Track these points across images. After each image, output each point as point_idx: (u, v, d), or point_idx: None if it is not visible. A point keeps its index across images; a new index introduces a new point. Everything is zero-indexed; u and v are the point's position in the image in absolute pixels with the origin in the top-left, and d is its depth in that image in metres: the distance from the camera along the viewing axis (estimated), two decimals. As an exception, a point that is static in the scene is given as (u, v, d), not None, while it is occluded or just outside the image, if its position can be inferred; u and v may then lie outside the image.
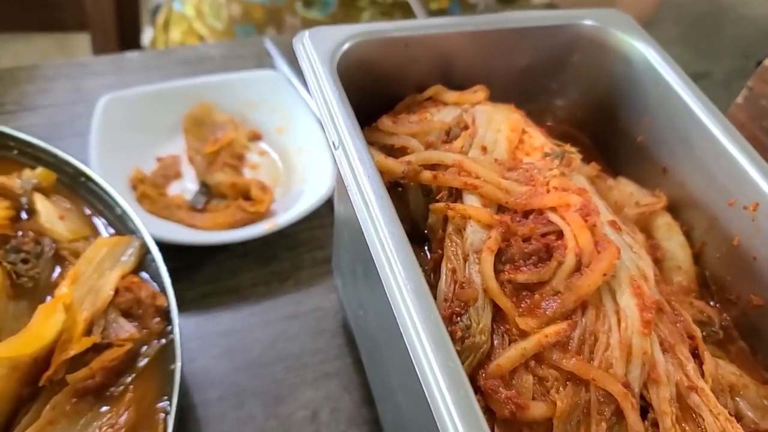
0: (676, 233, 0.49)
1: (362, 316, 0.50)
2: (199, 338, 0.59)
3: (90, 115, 0.73)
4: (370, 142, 0.48)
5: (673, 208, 0.50)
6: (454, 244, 0.41)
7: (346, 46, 0.46)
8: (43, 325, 0.47)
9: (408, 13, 1.11)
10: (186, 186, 0.69)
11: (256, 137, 0.74)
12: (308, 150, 0.71)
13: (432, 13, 1.09)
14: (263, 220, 0.65)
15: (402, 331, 0.33)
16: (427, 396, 0.31)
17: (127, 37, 0.98)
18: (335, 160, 0.40)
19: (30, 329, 0.47)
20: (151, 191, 0.65)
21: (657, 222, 0.49)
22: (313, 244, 0.68)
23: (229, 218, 0.64)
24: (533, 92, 0.56)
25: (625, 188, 0.51)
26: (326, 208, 0.68)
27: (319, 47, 0.45)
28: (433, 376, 0.31)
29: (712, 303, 0.48)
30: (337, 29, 0.47)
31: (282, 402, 0.56)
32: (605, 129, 0.56)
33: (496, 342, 0.37)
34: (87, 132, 0.72)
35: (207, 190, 0.67)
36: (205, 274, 0.63)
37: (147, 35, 1.28)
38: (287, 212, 0.64)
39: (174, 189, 0.68)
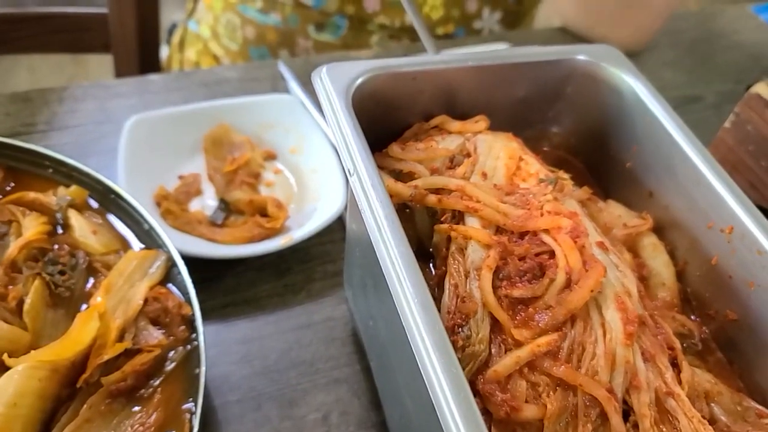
0: (661, 252, 0.53)
1: (372, 326, 0.54)
2: (219, 345, 0.64)
3: (115, 134, 0.78)
4: (381, 167, 0.53)
5: (659, 230, 0.55)
6: (456, 261, 0.45)
7: (360, 80, 0.51)
8: (81, 332, 0.51)
9: (415, 36, 1.16)
10: (206, 203, 0.73)
11: (271, 157, 0.78)
12: (321, 170, 0.76)
13: (438, 38, 1.14)
14: (278, 236, 0.69)
15: (410, 340, 0.37)
16: (431, 398, 0.35)
17: (147, 58, 1.03)
18: (348, 183, 0.44)
19: (69, 335, 0.51)
20: (174, 207, 0.69)
21: (643, 242, 0.53)
22: (324, 258, 0.72)
23: (247, 233, 0.68)
24: (531, 120, 0.61)
25: (614, 210, 0.55)
26: (337, 224, 0.73)
27: (335, 81, 0.50)
28: (438, 380, 0.35)
29: (693, 317, 0.52)
30: (352, 65, 0.52)
31: (296, 405, 0.61)
32: (597, 155, 0.61)
33: (493, 350, 0.42)
34: (113, 150, 0.77)
35: (226, 207, 0.72)
36: (224, 286, 0.68)
37: (162, 53, 1.34)
38: (301, 228, 0.69)
39: (195, 205, 0.73)
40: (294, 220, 0.71)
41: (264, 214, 0.71)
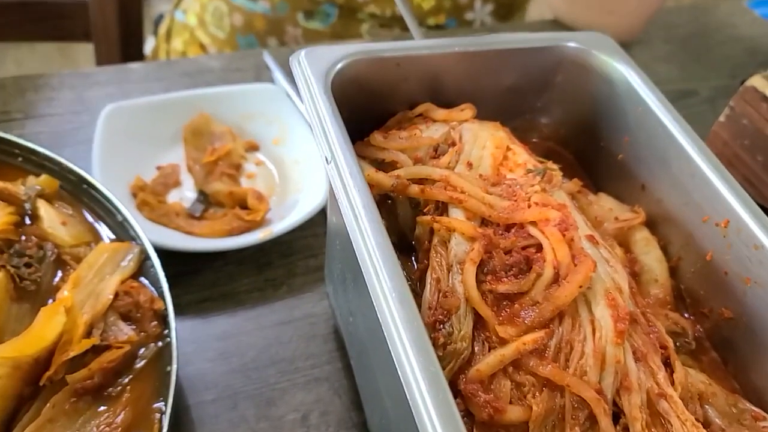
0: (654, 248, 0.51)
1: (352, 323, 0.52)
2: (194, 342, 0.61)
3: (93, 124, 0.75)
4: (362, 157, 0.50)
5: (651, 224, 0.53)
6: (439, 255, 0.43)
7: (340, 65, 0.48)
8: (45, 327, 0.49)
9: (406, 26, 1.14)
10: (184, 194, 0.71)
11: (253, 148, 0.76)
12: (304, 161, 0.73)
13: (429, 29, 1.11)
14: (259, 229, 0.67)
15: (386, 336, 0.35)
16: (408, 398, 0.33)
17: (130, 48, 1.00)
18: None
19: (32, 330, 0.49)
20: (150, 199, 0.67)
21: (635, 237, 0.51)
22: (306, 252, 0.70)
23: (226, 226, 0.66)
24: (519, 110, 0.58)
25: (605, 203, 0.53)
26: (320, 217, 0.71)
27: (314, 65, 0.48)
28: (414, 379, 0.33)
29: (686, 315, 0.50)
30: (332, 48, 0.49)
31: (273, 405, 0.58)
32: (588, 146, 0.59)
33: (476, 348, 0.40)
34: (90, 141, 0.74)
35: (205, 199, 0.69)
36: (202, 280, 0.65)
37: (149, 45, 1.31)
38: (282, 221, 0.66)
39: (173, 197, 0.70)
40: (275, 212, 0.69)
41: (244, 206, 0.69)
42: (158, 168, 0.72)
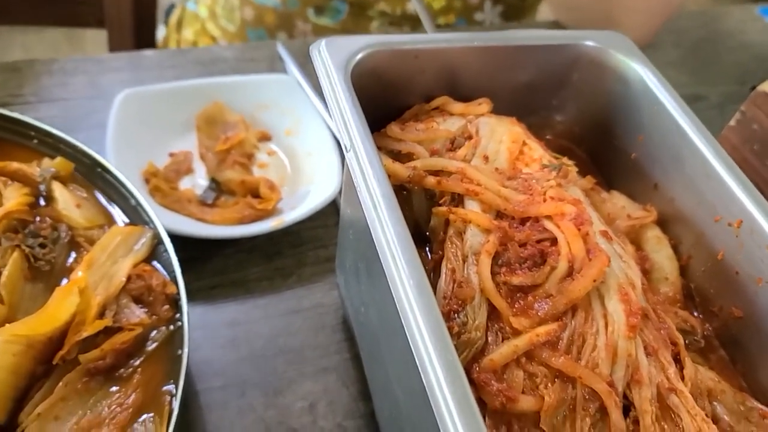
0: (665, 246, 0.51)
1: (363, 313, 0.52)
2: (204, 328, 0.62)
3: (106, 109, 0.76)
4: (379, 147, 0.51)
5: (663, 222, 0.53)
6: (454, 245, 0.43)
7: (359, 56, 0.49)
8: (59, 307, 0.49)
9: (416, 24, 1.14)
10: (197, 181, 0.71)
11: (265, 138, 0.76)
12: (316, 153, 0.73)
13: (439, 28, 1.12)
14: (270, 218, 0.67)
15: (404, 324, 0.35)
16: (425, 385, 0.33)
17: (142, 36, 1.01)
18: (345, 163, 0.43)
19: (46, 310, 0.49)
20: (163, 185, 0.67)
21: (647, 235, 0.52)
22: (316, 242, 0.70)
23: (238, 214, 0.66)
24: (534, 107, 0.59)
25: (618, 201, 0.53)
26: (330, 209, 0.71)
27: (334, 56, 0.48)
28: (432, 366, 0.33)
29: (695, 313, 0.50)
30: (352, 39, 0.50)
31: (281, 393, 0.59)
32: (601, 144, 0.59)
33: (490, 339, 0.40)
34: (103, 125, 0.74)
35: (217, 186, 0.70)
36: (212, 267, 0.66)
37: (159, 33, 1.31)
38: (293, 211, 0.67)
39: (185, 184, 0.70)
40: (286, 202, 0.69)
41: (256, 195, 0.69)
42: (171, 155, 0.72)
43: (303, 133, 0.76)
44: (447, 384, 0.32)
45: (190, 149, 0.73)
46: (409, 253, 0.37)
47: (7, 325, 0.47)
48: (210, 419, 0.56)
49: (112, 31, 0.96)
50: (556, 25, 1.07)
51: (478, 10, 1.13)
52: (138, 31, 0.98)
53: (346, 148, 0.43)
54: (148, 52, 0.87)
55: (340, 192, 0.68)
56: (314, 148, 0.74)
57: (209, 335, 0.61)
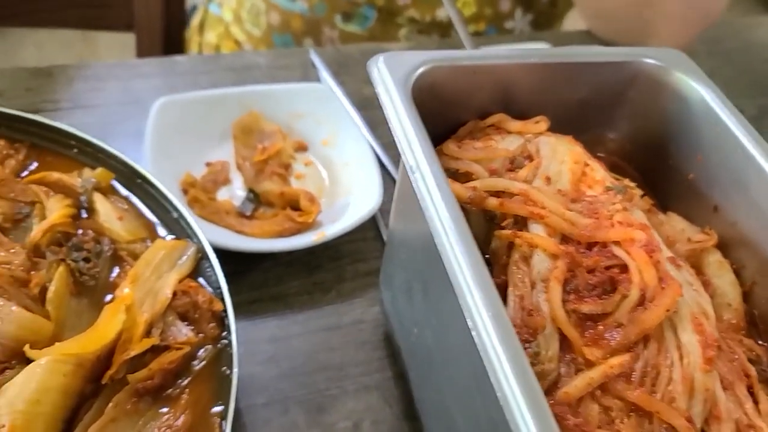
0: (727, 271, 0.50)
1: (416, 334, 0.51)
2: (244, 344, 0.60)
3: (140, 116, 0.75)
4: (435, 166, 0.49)
5: (723, 247, 0.52)
6: (521, 271, 0.42)
7: (419, 71, 0.47)
8: (108, 325, 0.48)
9: (444, 32, 1.13)
10: (234, 192, 0.70)
11: (302, 148, 0.75)
12: (354, 164, 0.72)
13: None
14: (310, 231, 0.66)
15: (481, 354, 0.34)
16: (508, 420, 0.32)
17: (171, 40, 1.00)
18: (398, 178, 0.41)
19: (96, 328, 0.48)
20: (201, 196, 0.66)
21: (708, 259, 0.50)
22: (355, 256, 0.69)
23: (278, 227, 0.65)
24: (587, 124, 0.57)
25: (677, 224, 0.52)
26: (368, 222, 0.70)
27: (393, 71, 0.47)
28: (515, 400, 0.32)
29: (759, 342, 0.49)
30: (411, 54, 0.48)
31: (325, 411, 0.57)
32: (654, 164, 0.58)
33: (562, 370, 0.39)
34: (136, 133, 0.73)
35: (255, 198, 0.69)
36: (251, 281, 0.65)
37: (182, 36, 1.30)
38: (335, 224, 0.65)
39: (222, 195, 0.69)
40: (325, 214, 0.68)
41: (294, 207, 0.68)
42: (207, 164, 0.71)
43: (340, 144, 0.75)
44: (534, 422, 0.31)
45: (226, 159, 0.72)
46: (484, 281, 0.36)
47: (57, 344, 0.46)
48: (253, 438, 0.55)
49: (141, 35, 0.95)
50: (588, 35, 1.05)
51: (509, 18, 1.12)
52: (166, 34, 0.96)
53: (411, 169, 0.42)
54: (179, 58, 0.86)
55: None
56: (352, 159, 0.73)
57: (250, 351, 0.60)
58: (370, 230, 0.70)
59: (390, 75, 0.46)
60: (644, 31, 0.97)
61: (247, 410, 0.57)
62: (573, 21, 1.29)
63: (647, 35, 0.97)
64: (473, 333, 0.34)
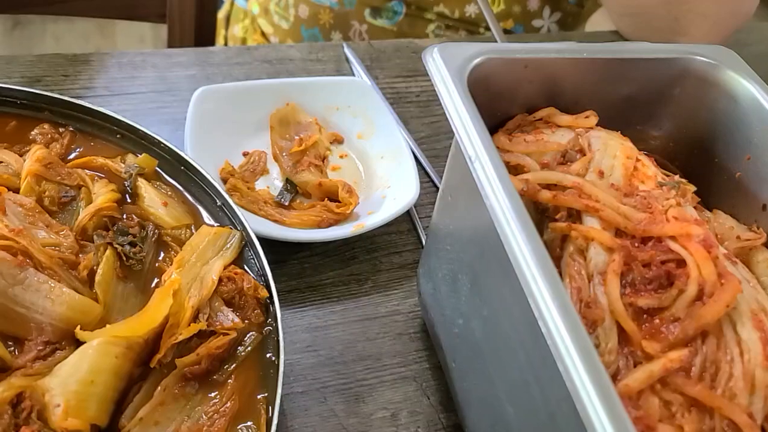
0: (776, 270, 0.50)
1: (461, 325, 0.51)
2: (284, 332, 0.61)
3: (175, 104, 0.75)
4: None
5: (771, 245, 0.52)
6: (576, 263, 0.42)
7: (474, 63, 0.47)
8: (157, 308, 0.48)
9: (472, 28, 1.13)
10: (272, 182, 0.70)
11: (337, 140, 0.75)
12: (389, 157, 0.72)
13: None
14: (347, 222, 0.66)
15: (551, 347, 0.34)
16: (578, 410, 0.32)
17: (203, 32, 1.00)
18: (446, 170, 0.41)
19: (147, 311, 0.48)
20: (240, 185, 0.66)
21: (757, 258, 0.50)
22: (390, 248, 0.69)
23: (316, 217, 0.65)
24: (631, 120, 0.57)
25: (725, 222, 0.52)
26: (402, 215, 0.70)
27: (449, 62, 0.47)
28: (586, 391, 0.32)
29: (808, 341, 0.49)
30: (464, 46, 0.49)
31: (362, 401, 0.58)
32: (698, 162, 0.57)
33: (621, 363, 0.39)
34: (172, 121, 0.74)
35: (293, 188, 0.69)
36: (289, 270, 0.65)
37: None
38: (373, 216, 0.66)
39: (259, 184, 0.69)
40: (362, 206, 0.68)
41: (331, 198, 0.68)
42: (244, 154, 0.71)
43: (376, 137, 0.75)
44: (604, 411, 0.31)
45: (263, 149, 0.72)
46: (550, 273, 0.36)
47: (108, 326, 0.46)
48: (293, 425, 0.56)
49: (173, 26, 0.95)
50: (615, 35, 1.05)
51: (537, 17, 1.12)
52: (199, 26, 0.97)
53: (470, 159, 0.42)
54: (214, 49, 0.86)
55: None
56: (387, 152, 0.73)
57: (288, 339, 0.60)
58: (403, 223, 0.71)
59: (445, 66, 0.46)
60: (674, 30, 0.97)
61: (285, 398, 0.57)
62: (592, 25, 1.29)
63: (677, 34, 0.97)
64: (540, 323, 0.34)
